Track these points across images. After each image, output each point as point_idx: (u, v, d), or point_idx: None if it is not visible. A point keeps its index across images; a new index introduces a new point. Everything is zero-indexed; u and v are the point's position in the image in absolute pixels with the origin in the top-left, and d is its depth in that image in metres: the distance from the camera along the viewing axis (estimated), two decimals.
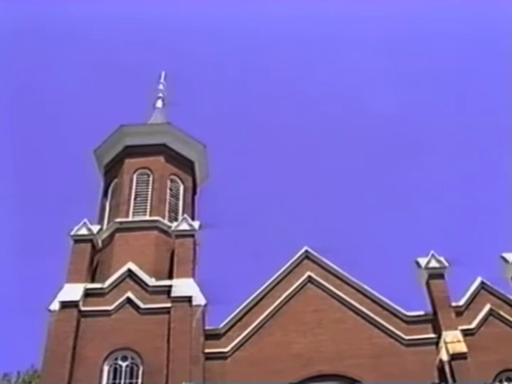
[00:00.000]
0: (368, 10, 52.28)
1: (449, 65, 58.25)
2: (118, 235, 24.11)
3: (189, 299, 21.49)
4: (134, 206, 25.37)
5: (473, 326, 21.46)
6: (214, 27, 57.22)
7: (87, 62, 60.05)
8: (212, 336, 21.44)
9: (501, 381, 20.33)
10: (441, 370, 20.37)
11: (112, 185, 26.83)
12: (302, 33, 59.10)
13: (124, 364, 20.67)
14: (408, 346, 21.29)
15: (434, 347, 21.05)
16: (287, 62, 62.11)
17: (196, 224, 24.01)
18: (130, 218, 24.85)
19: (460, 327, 21.20)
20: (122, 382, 20.37)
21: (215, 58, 59.50)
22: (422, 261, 22.85)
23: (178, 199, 26.45)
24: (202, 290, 21.99)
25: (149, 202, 25.43)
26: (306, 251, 23.57)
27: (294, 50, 61.07)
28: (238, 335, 21.59)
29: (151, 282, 22.30)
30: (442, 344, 20.77)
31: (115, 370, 20.57)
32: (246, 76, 60.42)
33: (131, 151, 26.97)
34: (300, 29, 58.88)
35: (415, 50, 58.70)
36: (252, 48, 61.77)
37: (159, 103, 32.03)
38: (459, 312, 21.77)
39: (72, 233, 23.34)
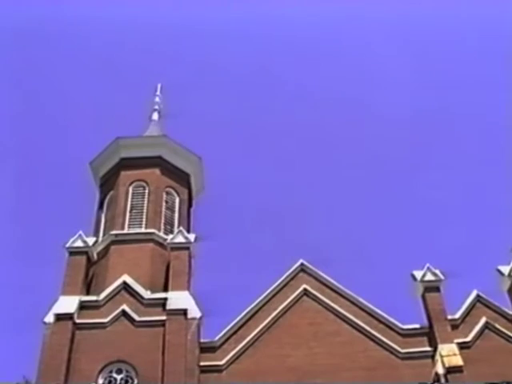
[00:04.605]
0: (378, 10, 52.37)
1: (459, 69, 58.35)
2: (113, 247, 24.08)
3: (184, 312, 21.46)
4: (130, 218, 25.36)
5: (469, 339, 21.43)
6: (210, 39, 57.43)
7: (83, 74, 60.09)
8: (207, 349, 21.35)
9: None
10: (437, 382, 20.33)
11: (108, 197, 26.84)
12: (305, 36, 58.95)
13: (119, 377, 20.58)
14: (404, 359, 21.24)
15: (429, 360, 21.00)
16: (288, 70, 62.06)
17: (191, 236, 24.02)
18: (126, 231, 24.83)
19: (456, 340, 21.16)
20: None
21: (212, 70, 59.58)
22: (418, 274, 22.84)
23: (173, 212, 26.45)
24: (197, 303, 21.95)
25: (144, 214, 25.43)
26: (302, 264, 23.56)
27: (296, 56, 60.90)
28: (234, 348, 21.52)
29: (146, 294, 22.26)
30: (437, 357, 20.74)
31: (110, 382, 20.47)
32: (244, 88, 60.43)
33: (127, 163, 27.00)
34: (303, 31, 58.69)
35: (426, 52, 58.74)
36: (249, 60, 61.79)
37: (155, 115, 32.11)
38: (455, 325, 21.75)
39: (67, 245, 23.31)
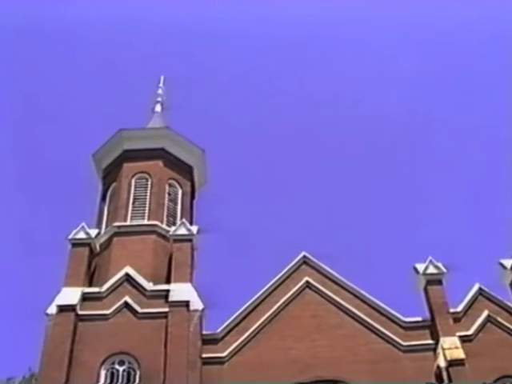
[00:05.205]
0: (379, 10, 52.35)
1: (454, 66, 58.19)
2: (116, 239, 24.09)
3: (186, 304, 21.46)
4: (133, 210, 25.35)
5: (470, 332, 21.44)
6: (212, 31, 57.40)
7: (86, 66, 60.12)
8: (209, 341, 21.38)
9: None
10: (438, 376, 20.33)
11: (110, 189, 26.83)
12: (301, 35, 59.11)
13: (121, 368, 20.62)
14: (406, 351, 21.25)
15: (431, 353, 21.02)
16: (287, 65, 62.16)
17: (194, 229, 23.98)
18: (128, 222, 24.83)
19: (458, 333, 21.17)
20: None
21: (214, 62, 59.63)
22: (420, 267, 22.83)
23: (176, 204, 26.43)
24: (199, 295, 21.97)
25: (147, 206, 25.42)
26: (304, 256, 23.55)
27: (294, 52, 61.04)
28: (236, 340, 21.54)
29: (149, 286, 22.27)
30: (439, 350, 20.75)
31: (112, 374, 20.52)
32: (246, 80, 60.52)
33: (130, 155, 26.98)
34: (300, 31, 58.88)
35: (426, 52, 58.66)
36: (251, 52, 61.85)
37: (158, 107, 32.09)
38: (457, 318, 21.75)
39: (70, 236, 23.31)
